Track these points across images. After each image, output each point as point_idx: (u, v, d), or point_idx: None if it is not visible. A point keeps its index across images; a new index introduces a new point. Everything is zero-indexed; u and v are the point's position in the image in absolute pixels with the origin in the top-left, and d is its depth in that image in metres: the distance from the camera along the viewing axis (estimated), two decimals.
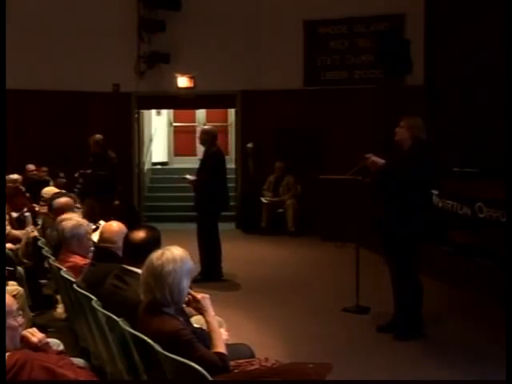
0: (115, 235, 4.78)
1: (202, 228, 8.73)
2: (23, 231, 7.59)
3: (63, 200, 6.83)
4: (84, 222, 5.71)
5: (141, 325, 3.50)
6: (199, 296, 3.65)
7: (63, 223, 5.56)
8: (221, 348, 3.52)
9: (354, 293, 7.14)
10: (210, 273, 8.59)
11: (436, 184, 8.26)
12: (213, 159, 8.74)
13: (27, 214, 8.41)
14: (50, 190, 8.85)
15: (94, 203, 9.89)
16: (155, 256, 3.56)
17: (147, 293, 3.54)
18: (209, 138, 8.79)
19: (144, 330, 3.42)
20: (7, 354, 2.78)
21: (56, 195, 7.79)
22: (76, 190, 10.64)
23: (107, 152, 10.62)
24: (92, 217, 7.88)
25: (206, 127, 9.63)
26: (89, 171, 10.47)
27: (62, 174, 11.97)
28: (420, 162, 6.09)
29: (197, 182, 8.70)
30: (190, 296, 3.64)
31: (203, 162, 8.79)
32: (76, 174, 10.71)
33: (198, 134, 16.25)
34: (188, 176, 8.87)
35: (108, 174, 10.42)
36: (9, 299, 3.06)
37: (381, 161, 6.26)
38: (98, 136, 10.66)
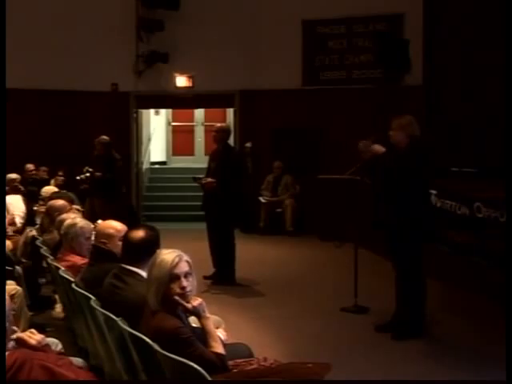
0: (110, 234, 4.77)
1: (218, 230, 8.47)
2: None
3: (58, 202, 6.80)
4: (82, 221, 5.69)
5: (143, 322, 3.50)
6: (195, 303, 3.58)
7: (62, 222, 5.58)
8: (218, 349, 3.52)
9: (353, 292, 7.13)
10: (224, 275, 8.47)
11: (434, 184, 8.25)
12: (238, 158, 8.61)
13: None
14: (48, 189, 8.85)
15: (97, 203, 9.87)
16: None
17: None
18: (225, 135, 8.61)
19: (146, 328, 3.43)
20: (6, 353, 2.78)
21: (55, 195, 7.79)
22: (83, 185, 10.63)
23: (111, 153, 10.60)
24: (93, 217, 7.88)
25: (221, 124, 9.32)
26: (89, 174, 10.44)
27: (60, 173, 11.97)
28: (418, 160, 6.09)
29: (216, 183, 8.26)
30: (181, 306, 3.58)
31: (225, 160, 8.38)
32: (82, 176, 10.61)
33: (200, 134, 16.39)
34: (209, 179, 8.35)
35: (114, 177, 10.41)
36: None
37: (379, 148, 6.27)
38: (104, 137, 10.62)
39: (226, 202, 8.32)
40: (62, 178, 11.81)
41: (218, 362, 3.43)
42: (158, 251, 3.67)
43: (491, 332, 6.22)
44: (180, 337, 3.37)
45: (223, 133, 8.63)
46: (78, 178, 10.67)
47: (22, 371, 2.70)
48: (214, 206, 8.40)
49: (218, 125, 9.04)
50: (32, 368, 2.73)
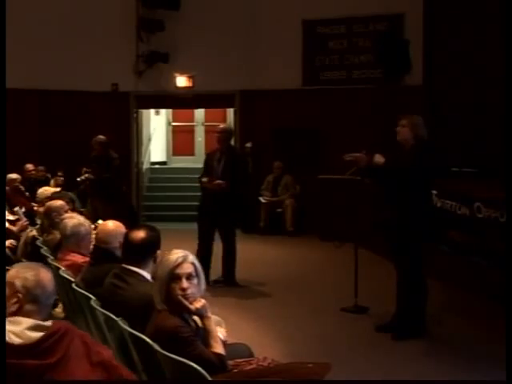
0: (110, 235, 4.78)
1: (230, 233, 8.43)
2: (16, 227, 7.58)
3: (57, 203, 6.78)
4: (85, 220, 5.70)
5: (150, 322, 3.52)
6: (197, 305, 3.56)
7: (65, 221, 5.55)
8: (218, 349, 3.52)
9: (353, 292, 7.13)
10: (230, 277, 8.44)
11: (434, 184, 8.26)
12: (244, 159, 8.56)
13: (16, 208, 8.36)
14: (44, 190, 8.81)
15: (98, 204, 9.86)
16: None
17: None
18: (229, 136, 8.56)
19: (149, 327, 3.45)
20: (50, 323, 2.96)
21: (55, 195, 7.77)
22: (80, 187, 10.63)
23: (109, 153, 10.59)
24: (95, 217, 7.87)
25: (224, 125, 9.20)
26: (88, 175, 10.42)
27: (60, 173, 11.98)
28: (422, 162, 6.08)
29: (226, 184, 8.14)
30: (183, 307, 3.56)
31: (232, 162, 8.31)
32: (82, 177, 10.61)
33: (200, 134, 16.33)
34: (217, 181, 8.16)
35: (112, 176, 10.38)
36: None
37: (379, 158, 6.24)
38: (101, 137, 10.62)
39: (233, 203, 8.30)
40: (61, 178, 11.82)
41: (217, 362, 3.43)
42: (168, 251, 3.66)
43: (491, 332, 6.22)
44: (179, 336, 3.37)
45: (227, 133, 8.59)
46: (78, 179, 10.68)
47: (65, 338, 2.88)
48: (221, 207, 8.24)
49: (221, 126, 9.01)
50: (73, 338, 2.91)
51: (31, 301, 2.94)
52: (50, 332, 2.86)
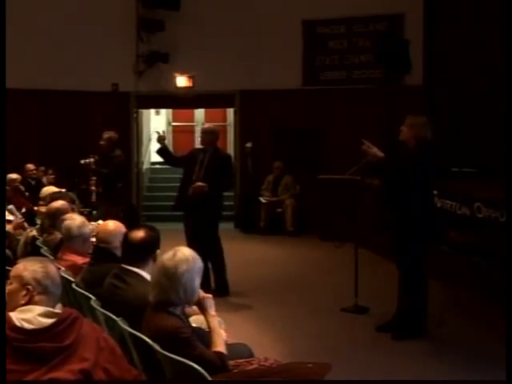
0: (111, 235, 4.78)
1: (213, 237, 8.04)
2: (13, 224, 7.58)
3: (59, 203, 6.76)
4: (91, 223, 5.72)
5: (145, 323, 3.51)
6: (203, 295, 3.65)
7: (69, 222, 5.53)
8: (220, 347, 3.53)
9: (353, 293, 7.13)
10: (219, 285, 7.97)
11: (434, 184, 8.26)
12: (230, 162, 8.42)
13: (10, 206, 8.34)
14: (47, 189, 8.81)
15: (105, 206, 9.73)
16: (167, 257, 3.56)
17: (160, 293, 3.50)
18: (214, 137, 8.22)
19: (147, 329, 3.44)
20: (60, 309, 3.09)
21: (56, 195, 7.76)
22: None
23: (113, 151, 10.18)
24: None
25: (208, 126, 8.93)
26: (94, 158, 10.16)
27: (50, 171, 12.01)
28: (421, 162, 6.08)
29: (207, 187, 7.81)
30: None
31: (219, 164, 7.99)
32: (87, 160, 10.35)
33: (199, 134, 16.18)
34: (199, 183, 7.85)
35: (110, 173, 10.10)
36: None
37: (377, 152, 6.22)
38: (111, 133, 10.10)
39: (216, 205, 8.07)
40: (52, 176, 11.85)
41: (218, 362, 3.43)
42: (169, 252, 3.64)
43: (491, 332, 6.22)
44: (180, 336, 3.37)
45: (211, 134, 8.25)
46: (82, 162, 10.31)
47: (76, 322, 2.99)
48: (199, 207, 7.86)
49: (206, 126, 8.80)
50: (83, 323, 3.04)
51: (42, 292, 3.03)
52: (62, 317, 2.96)
